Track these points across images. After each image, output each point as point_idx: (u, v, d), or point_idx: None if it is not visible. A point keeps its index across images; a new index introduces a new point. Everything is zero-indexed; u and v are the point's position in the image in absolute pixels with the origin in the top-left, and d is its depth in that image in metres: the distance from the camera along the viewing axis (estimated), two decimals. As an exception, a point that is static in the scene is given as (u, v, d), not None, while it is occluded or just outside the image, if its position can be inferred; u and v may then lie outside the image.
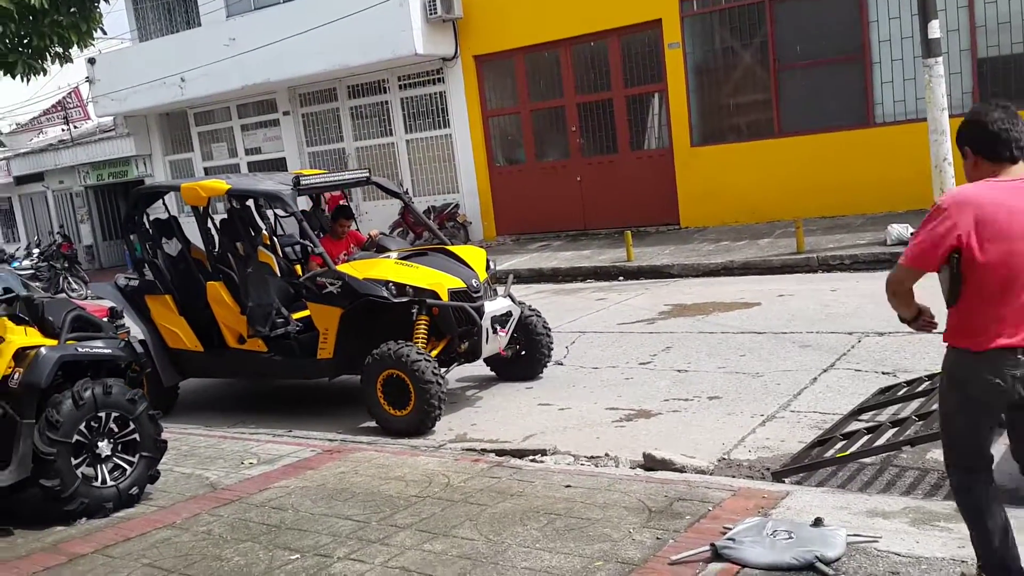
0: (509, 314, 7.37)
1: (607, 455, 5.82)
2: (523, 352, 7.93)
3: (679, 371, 7.69)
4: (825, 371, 7.10)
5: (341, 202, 9.97)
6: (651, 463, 5.51)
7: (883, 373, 6.85)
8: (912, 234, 3.70)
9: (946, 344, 3.37)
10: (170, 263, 8.34)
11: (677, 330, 9.24)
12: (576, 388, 7.60)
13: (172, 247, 8.65)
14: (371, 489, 5.38)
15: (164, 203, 9.07)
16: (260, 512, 5.23)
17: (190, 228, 8.58)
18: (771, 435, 5.85)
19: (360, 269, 7.20)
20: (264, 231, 8.23)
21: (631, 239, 13.73)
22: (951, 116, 11.78)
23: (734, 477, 5.18)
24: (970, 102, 13.11)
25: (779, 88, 14.64)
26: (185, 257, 8.46)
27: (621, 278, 13.12)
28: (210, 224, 8.42)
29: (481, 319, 7.05)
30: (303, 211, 8.15)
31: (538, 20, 16.40)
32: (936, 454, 5.16)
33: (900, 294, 3.42)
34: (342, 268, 7.19)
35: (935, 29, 10.86)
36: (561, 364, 8.38)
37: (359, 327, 7.16)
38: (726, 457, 5.56)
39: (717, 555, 3.95)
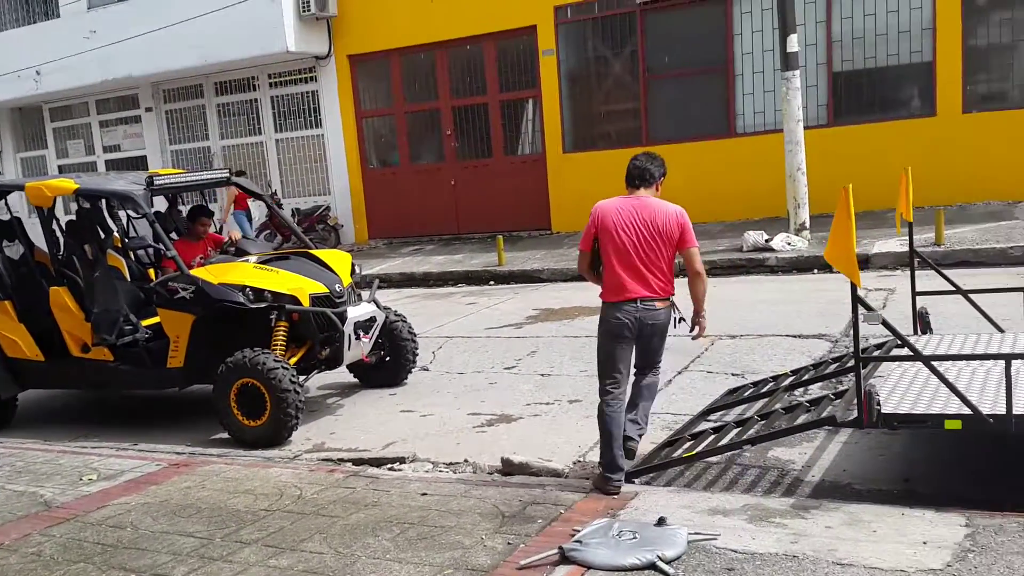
0: (373, 320, 7.26)
1: (466, 461, 5.80)
2: (388, 358, 7.83)
3: (543, 375, 7.75)
4: (679, 373, 7.29)
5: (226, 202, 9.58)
6: (509, 468, 5.52)
7: (732, 375, 7.09)
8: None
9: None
10: (10, 267, 7.84)
11: (543, 334, 9.32)
12: (440, 394, 7.54)
13: (14, 250, 8.13)
14: (218, 504, 5.18)
15: (6, 203, 8.51)
16: (96, 531, 4.95)
17: (36, 230, 8.09)
18: (626, 437, 5.94)
19: (216, 273, 6.93)
20: (115, 233, 7.80)
21: (503, 244, 13.79)
22: (807, 128, 12.36)
23: (587, 479, 5.23)
24: (825, 114, 13.81)
25: (648, 97, 15.01)
26: (27, 261, 7.96)
27: (492, 283, 13.17)
28: (56, 226, 7.95)
29: (343, 325, 6.91)
30: (157, 212, 7.81)
31: (414, 22, 16.30)
32: (777, 452, 5.37)
33: (584, 269, 5.27)
34: (196, 272, 6.91)
35: (793, 43, 11.35)
36: (427, 370, 8.31)
37: (213, 334, 6.89)
38: (582, 460, 5.62)
39: (564, 558, 3.98)
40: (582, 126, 15.74)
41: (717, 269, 11.70)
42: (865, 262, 10.82)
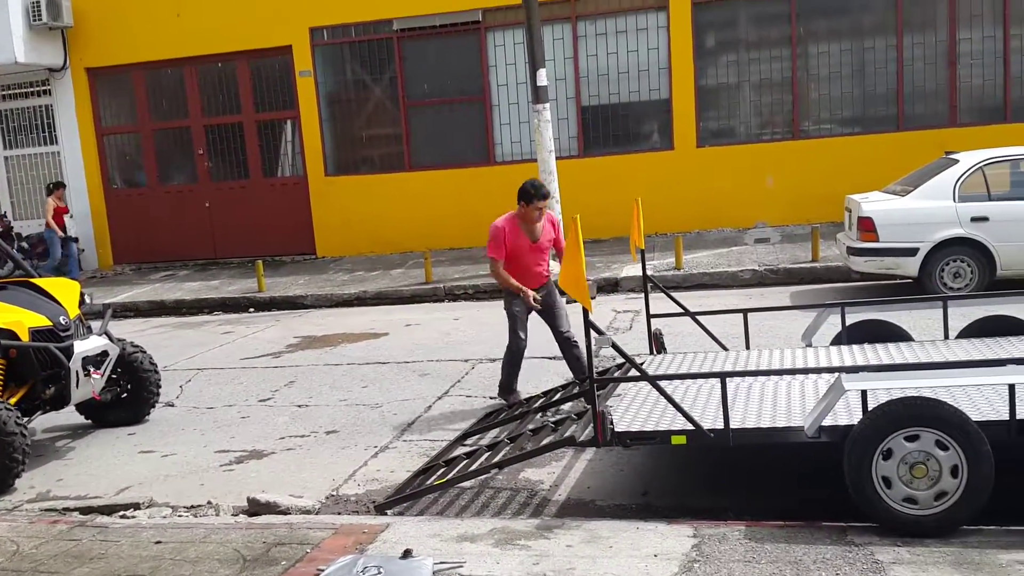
0: (105, 354, 6.70)
1: (209, 503, 5.46)
2: (125, 395, 7.26)
3: (299, 406, 7.50)
4: (439, 399, 7.31)
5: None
6: (255, 507, 5.25)
7: (491, 398, 7.19)
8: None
9: None
10: None
11: (303, 363, 9.04)
12: (186, 431, 7.09)
13: None
14: (-89, 569, 4.53)
15: None
16: None
17: None
18: (382, 466, 5.86)
19: (-85, 307, 6.13)
20: None
21: (263, 269, 13.31)
22: (559, 158, 12.93)
23: (340, 514, 5.10)
24: (576, 146, 14.51)
25: (409, 123, 15.10)
26: None
27: (252, 310, 12.65)
28: None
29: (69, 361, 6.32)
30: None
31: (160, 35, 15.43)
32: (527, 474, 5.49)
33: (499, 275, 6.62)
34: None
35: (543, 77, 11.82)
36: (172, 405, 7.80)
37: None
38: (335, 494, 5.46)
39: (308, 601, 3.82)
40: (344, 149, 15.56)
41: (481, 293, 11.93)
42: (615, 285, 11.43)
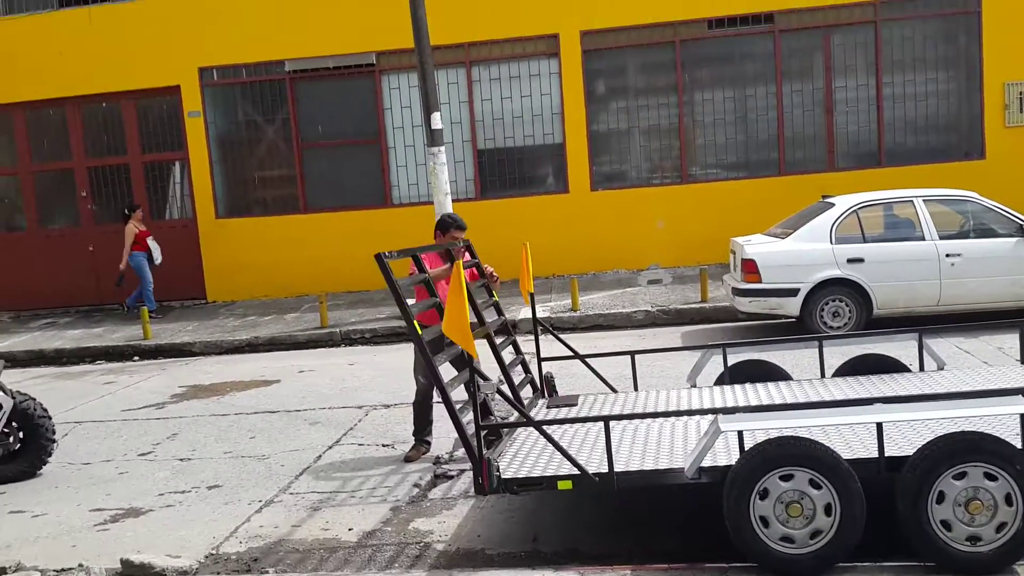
0: None
1: (80, 565, 5.16)
2: (18, 447, 7.00)
3: (182, 460, 7.21)
4: (330, 448, 7.15)
5: None
6: (129, 569, 4.99)
7: (383, 445, 7.09)
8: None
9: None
10: None
11: (187, 414, 8.72)
12: (59, 488, 6.72)
13: None
14: None
15: None
16: None
17: None
18: (266, 522, 5.67)
19: None
20: None
21: (148, 315, 12.85)
22: (457, 200, 12.97)
23: (219, 574, 4.90)
24: (473, 188, 14.61)
25: (303, 165, 14.93)
26: None
27: (137, 358, 12.18)
28: None
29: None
30: None
31: (41, 74, 14.92)
32: (417, 524, 5.40)
33: None
34: None
35: (437, 121, 11.86)
36: (46, 462, 7.39)
37: None
38: (215, 552, 5.25)
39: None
40: (236, 192, 15.26)
41: (378, 337, 11.80)
42: (513, 327, 11.44)
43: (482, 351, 5.42)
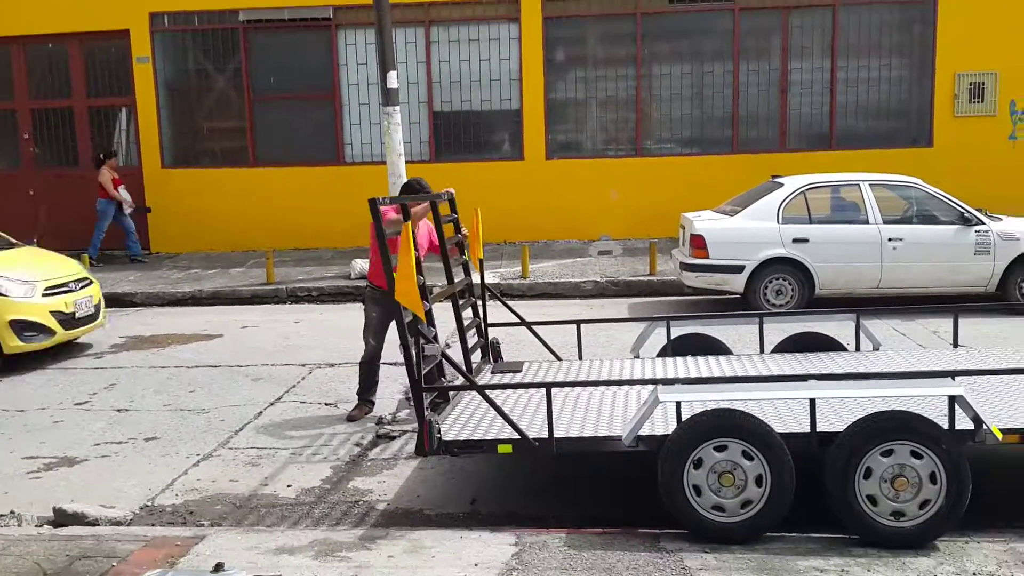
0: None
1: (12, 513, 5.10)
2: None
3: (119, 411, 7.11)
4: (271, 404, 7.11)
5: None
6: (62, 518, 4.95)
7: (326, 404, 7.07)
8: None
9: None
10: None
11: (127, 365, 8.59)
12: (-10, 436, 6.60)
13: None
14: None
15: None
16: None
17: None
18: (203, 475, 5.63)
19: None
20: None
21: (89, 262, 12.56)
22: (411, 162, 12.85)
23: (153, 525, 4.86)
24: (428, 151, 14.49)
25: (254, 118, 14.64)
26: None
27: (76, 306, 11.90)
28: None
29: None
30: None
31: (-20, 10, 14.36)
32: (356, 483, 5.42)
33: None
34: None
35: (393, 80, 11.71)
36: None
37: None
38: (149, 504, 5.21)
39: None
40: (184, 141, 14.93)
41: (325, 296, 11.71)
42: (461, 293, 11.44)
43: (445, 311, 5.40)
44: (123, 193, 13.86)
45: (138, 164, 14.84)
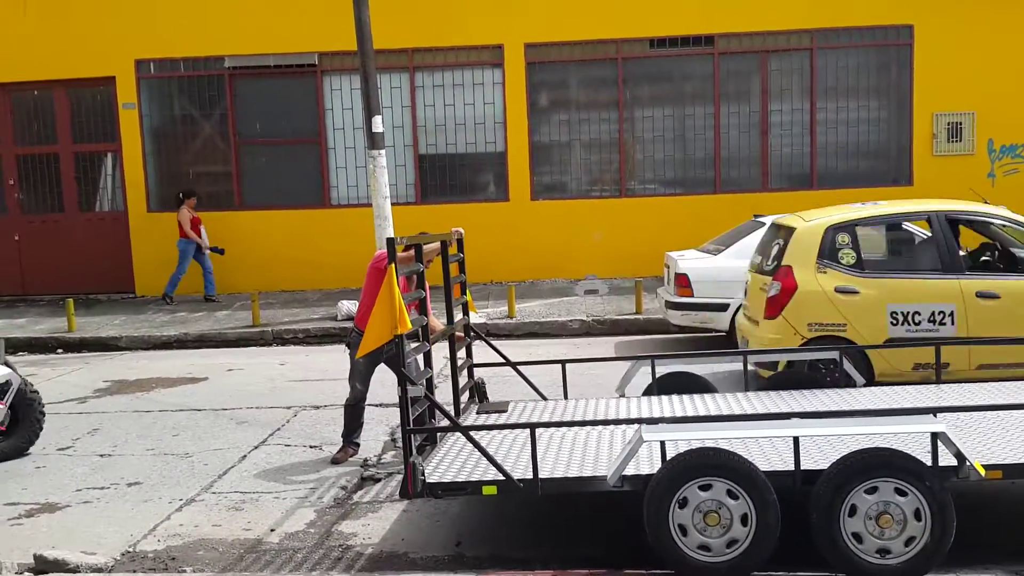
0: (8, 383, 6.74)
1: (-9, 561, 5.03)
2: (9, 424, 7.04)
3: (102, 456, 7.04)
4: (256, 448, 7.06)
5: None
6: (42, 565, 4.88)
7: (311, 447, 7.02)
8: None
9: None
10: None
11: (110, 409, 8.53)
12: (-29, 483, 6.52)
13: None
14: None
15: None
16: None
17: None
18: (186, 521, 5.57)
19: None
20: None
21: (73, 307, 12.52)
22: (397, 204, 12.92)
23: (135, 572, 4.81)
24: (413, 193, 14.59)
25: (240, 162, 14.73)
26: None
27: (61, 351, 11.85)
28: None
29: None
30: None
31: (-30, 57, 14.45)
32: (341, 527, 5.37)
33: None
34: None
35: (378, 124, 11.81)
36: (38, 436, 7.22)
37: None
38: (131, 550, 5.15)
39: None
40: (169, 185, 14.94)
41: (311, 338, 11.70)
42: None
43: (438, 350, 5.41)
44: (202, 234, 13.95)
45: (123, 209, 14.86)
